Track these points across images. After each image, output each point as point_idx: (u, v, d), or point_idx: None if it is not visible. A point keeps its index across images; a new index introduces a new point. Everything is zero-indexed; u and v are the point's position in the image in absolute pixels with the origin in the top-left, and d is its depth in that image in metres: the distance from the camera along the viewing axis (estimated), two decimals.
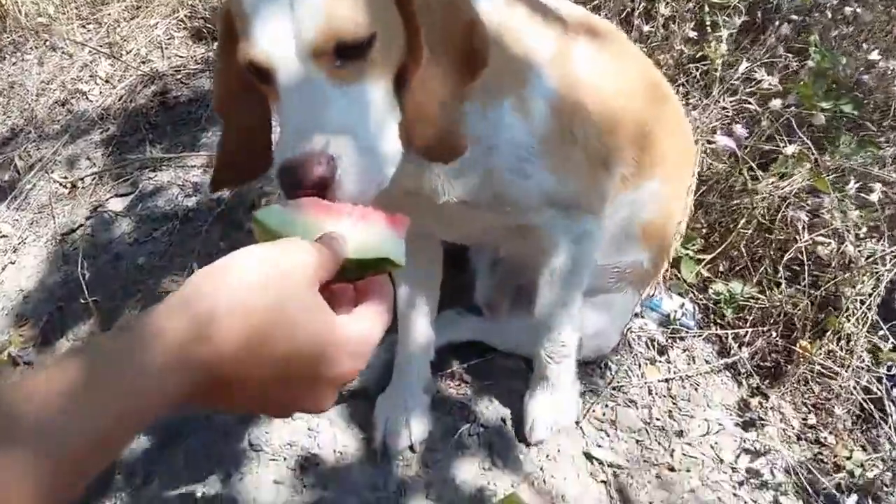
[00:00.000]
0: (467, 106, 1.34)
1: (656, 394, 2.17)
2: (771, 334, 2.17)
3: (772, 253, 2.23)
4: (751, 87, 2.26)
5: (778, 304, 2.15)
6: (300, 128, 1.09)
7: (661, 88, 1.94)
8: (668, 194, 1.97)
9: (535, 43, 1.53)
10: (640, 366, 2.24)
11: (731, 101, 2.30)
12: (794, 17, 2.40)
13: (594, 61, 1.67)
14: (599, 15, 2.40)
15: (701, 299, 2.30)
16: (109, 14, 3.63)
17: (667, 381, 2.20)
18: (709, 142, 2.28)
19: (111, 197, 2.91)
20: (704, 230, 2.34)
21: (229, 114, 1.39)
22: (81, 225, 2.84)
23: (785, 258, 2.14)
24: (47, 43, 3.59)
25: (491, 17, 1.39)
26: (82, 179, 3.01)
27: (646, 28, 2.46)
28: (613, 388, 2.15)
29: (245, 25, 1.14)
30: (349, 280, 0.91)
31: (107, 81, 3.37)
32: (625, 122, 1.74)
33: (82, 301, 2.52)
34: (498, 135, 1.48)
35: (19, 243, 2.86)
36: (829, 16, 2.44)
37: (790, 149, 2.14)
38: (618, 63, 1.77)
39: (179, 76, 3.33)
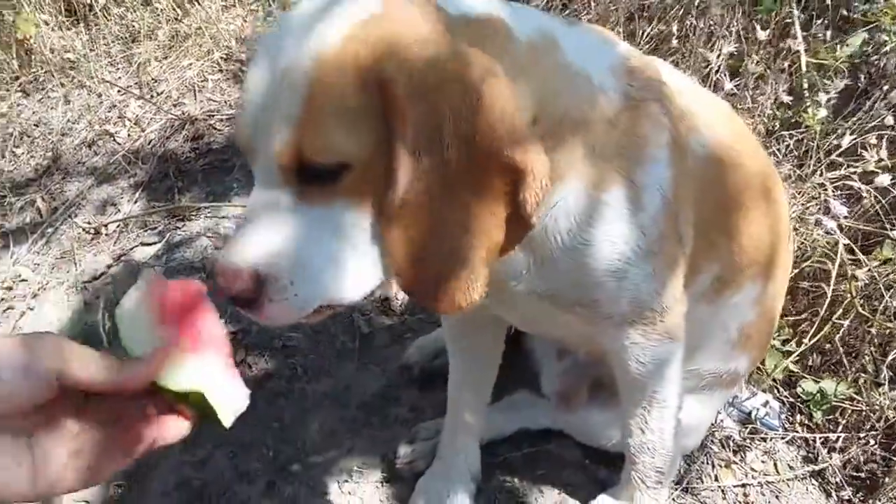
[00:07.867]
0: (561, 186, 1.22)
1: (732, 499, 2.04)
2: (868, 441, 2.04)
3: (872, 349, 2.09)
4: (852, 159, 2.09)
5: (878, 407, 2.02)
6: (245, 235, 1.09)
7: (771, 170, 1.75)
8: (772, 293, 1.78)
9: (657, 114, 1.33)
10: (713, 466, 2.10)
11: (830, 177, 2.13)
12: None
13: (710, 141, 1.47)
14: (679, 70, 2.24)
15: (787, 396, 2.17)
16: (141, 53, 3.56)
17: (744, 486, 2.07)
18: (801, 219, 2.12)
19: (136, 245, 2.81)
20: (793, 318, 2.18)
21: None
22: (104, 273, 2.75)
23: (889, 357, 1.99)
24: (74, 80, 3.51)
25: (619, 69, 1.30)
26: (106, 226, 2.91)
27: (728, 85, 2.30)
28: (683, 490, 2.02)
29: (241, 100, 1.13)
30: (167, 400, 0.92)
31: (136, 123, 3.28)
32: (734, 216, 1.56)
33: None
34: (600, 226, 1.29)
35: (39, 289, 2.77)
36: None
37: None
38: (732, 143, 1.57)
39: (213, 121, 3.24)
